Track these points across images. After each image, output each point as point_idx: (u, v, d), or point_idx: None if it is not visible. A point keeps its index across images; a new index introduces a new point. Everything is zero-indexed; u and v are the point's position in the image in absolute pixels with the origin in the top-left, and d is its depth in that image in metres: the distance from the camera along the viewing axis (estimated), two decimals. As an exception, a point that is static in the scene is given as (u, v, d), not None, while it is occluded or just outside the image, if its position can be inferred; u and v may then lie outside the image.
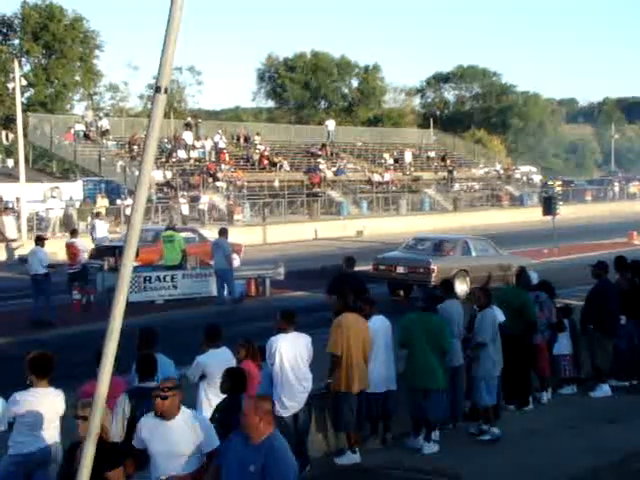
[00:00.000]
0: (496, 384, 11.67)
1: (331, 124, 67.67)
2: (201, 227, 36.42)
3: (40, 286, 20.36)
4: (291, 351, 9.89)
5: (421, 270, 22.38)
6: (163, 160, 50.59)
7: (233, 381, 8.19)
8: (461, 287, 22.08)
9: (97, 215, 32.80)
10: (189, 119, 59.32)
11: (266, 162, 55.97)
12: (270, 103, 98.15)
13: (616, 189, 71.19)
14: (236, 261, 24.90)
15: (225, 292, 22.96)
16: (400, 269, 23.09)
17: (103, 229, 30.45)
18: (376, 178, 58.58)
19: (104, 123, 54.12)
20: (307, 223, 46.85)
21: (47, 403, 7.80)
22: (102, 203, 42.15)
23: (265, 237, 42.40)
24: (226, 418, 7.84)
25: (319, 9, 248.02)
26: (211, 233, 31.38)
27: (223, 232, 23.47)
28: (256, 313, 21.34)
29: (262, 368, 9.86)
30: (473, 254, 24.02)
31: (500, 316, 11.92)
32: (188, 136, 54.49)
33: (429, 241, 25.13)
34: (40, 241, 21.49)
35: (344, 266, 16.36)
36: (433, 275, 21.96)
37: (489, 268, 22.95)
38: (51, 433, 7.87)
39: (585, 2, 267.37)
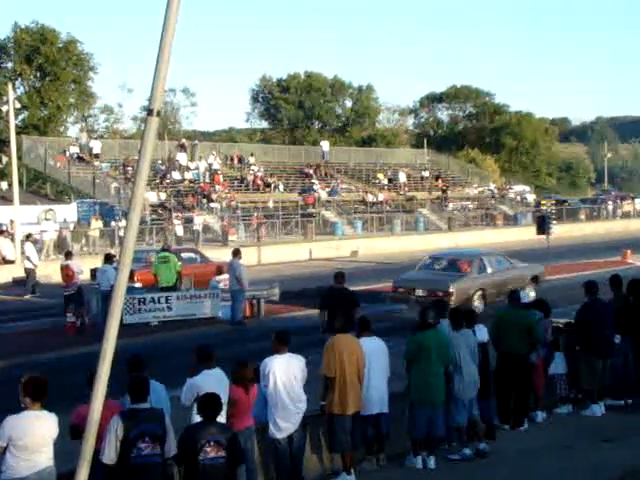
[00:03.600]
0: (467, 405, 11.62)
1: (325, 145, 67.89)
2: (196, 248, 36.40)
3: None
4: (285, 373, 9.88)
5: (440, 294, 22.18)
6: (157, 181, 50.68)
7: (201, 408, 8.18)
8: (480, 305, 22.55)
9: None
10: (183, 140, 59.47)
11: (260, 183, 56.08)
12: (264, 124, 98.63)
13: (610, 208, 71.20)
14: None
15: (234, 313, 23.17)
16: (419, 292, 23.20)
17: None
18: (370, 198, 58.68)
19: (95, 145, 54.21)
20: (301, 243, 46.82)
21: (41, 427, 7.76)
22: (96, 225, 42.12)
23: (260, 258, 42.38)
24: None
25: (312, 30, 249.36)
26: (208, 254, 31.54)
27: (236, 253, 23.50)
28: (250, 334, 21.32)
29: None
30: (489, 270, 24.17)
31: (482, 337, 12.01)
32: (182, 157, 54.61)
33: (444, 260, 25.29)
34: (109, 259, 22.12)
35: (334, 281, 16.39)
36: (452, 298, 21.97)
37: (506, 282, 23.19)
38: (45, 457, 7.82)
39: (577, 23, 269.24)
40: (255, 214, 49.91)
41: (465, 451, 11.48)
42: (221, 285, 24.27)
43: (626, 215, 71.71)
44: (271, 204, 52.14)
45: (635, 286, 14.58)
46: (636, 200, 76.93)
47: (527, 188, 77.17)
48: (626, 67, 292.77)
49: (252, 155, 61.03)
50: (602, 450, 11.64)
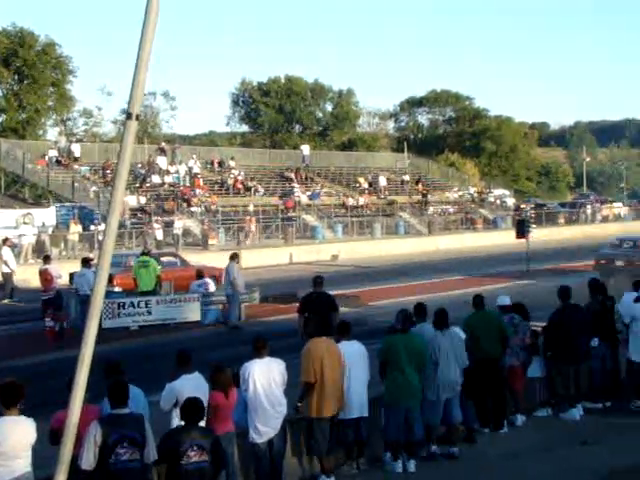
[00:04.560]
0: (446, 407, 11.67)
1: (306, 149, 67.87)
2: (176, 252, 36.31)
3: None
4: (265, 377, 9.86)
5: (637, 263, 28.94)
6: (137, 185, 50.48)
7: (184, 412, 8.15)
8: None
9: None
10: (163, 144, 59.29)
11: (240, 186, 56.01)
12: (244, 127, 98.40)
13: (588, 212, 71.61)
14: (211, 286, 24.84)
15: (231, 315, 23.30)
16: (618, 262, 30.36)
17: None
18: (351, 202, 58.74)
19: (75, 149, 53.97)
20: (282, 247, 46.81)
21: (18, 432, 7.68)
22: (75, 229, 41.91)
23: (239, 262, 42.26)
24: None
25: (293, 34, 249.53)
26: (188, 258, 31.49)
27: (233, 257, 23.65)
28: (230, 338, 21.29)
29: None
30: None
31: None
32: (162, 161, 54.44)
33: (630, 240, 32.39)
34: (87, 263, 22.10)
35: (313, 285, 16.38)
36: None
37: None
38: (23, 463, 7.75)
39: (555, 28, 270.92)
40: (248, 217, 49.90)
41: (432, 447, 11.54)
42: (201, 289, 24.22)
43: (605, 219, 72.15)
44: (251, 208, 52.06)
45: (597, 287, 14.70)
46: (614, 204, 77.48)
47: (507, 192, 77.48)
48: (604, 72, 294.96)
49: (232, 159, 60.93)
50: (581, 453, 11.69)
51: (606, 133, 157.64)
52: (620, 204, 78.31)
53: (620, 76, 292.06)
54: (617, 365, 14.68)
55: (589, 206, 73.06)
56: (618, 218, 73.58)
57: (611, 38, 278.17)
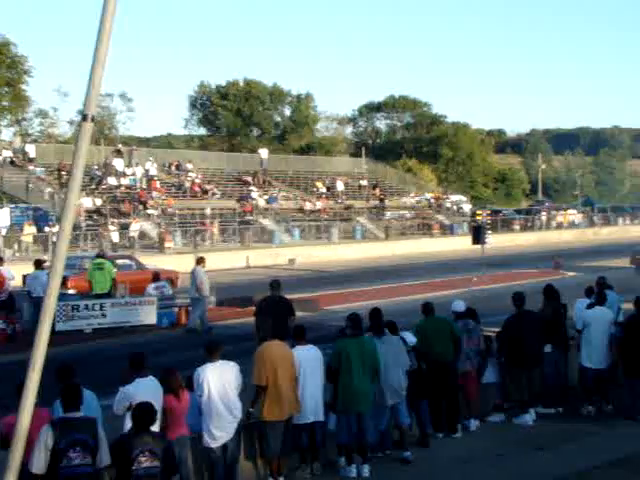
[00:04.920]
0: (393, 412, 11.74)
1: (264, 152, 67.84)
2: (132, 254, 36.07)
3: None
4: (219, 380, 9.83)
5: None
6: (93, 187, 50.09)
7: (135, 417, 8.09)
8: None
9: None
10: (120, 146, 58.89)
11: (198, 189, 55.81)
12: (202, 130, 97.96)
13: (543, 218, 72.34)
14: (165, 289, 24.72)
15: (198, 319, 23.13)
16: None
17: None
18: (308, 206, 58.80)
19: (29, 149, 53.41)
20: (239, 251, 46.70)
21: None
22: (29, 230, 41.45)
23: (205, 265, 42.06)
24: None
25: (252, 37, 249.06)
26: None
27: (199, 261, 23.57)
28: (185, 342, 21.18)
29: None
30: None
31: (412, 341, 12.38)
32: (119, 163, 54.07)
33: None
34: (39, 265, 21.98)
35: (270, 289, 16.37)
36: None
37: None
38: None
39: (512, 37, 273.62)
40: (209, 220, 49.72)
41: (386, 452, 11.65)
42: (157, 292, 24.09)
43: (559, 226, 72.96)
44: (208, 211, 51.89)
45: (551, 293, 14.85)
46: (569, 211, 78.34)
47: (463, 198, 77.97)
48: (560, 81, 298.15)
49: (190, 162, 60.72)
50: (533, 458, 11.80)
51: (561, 141, 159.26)
52: (574, 211, 79.15)
53: (575, 85, 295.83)
54: (568, 371, 14.86)
55: (544, 213, 73.79)
56: (572, 225, 74.43)
57: (567, 47, 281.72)
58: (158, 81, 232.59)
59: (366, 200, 65.27)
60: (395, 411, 11.75)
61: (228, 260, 43.39)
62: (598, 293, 14.92)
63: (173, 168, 59.42)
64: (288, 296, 17.64)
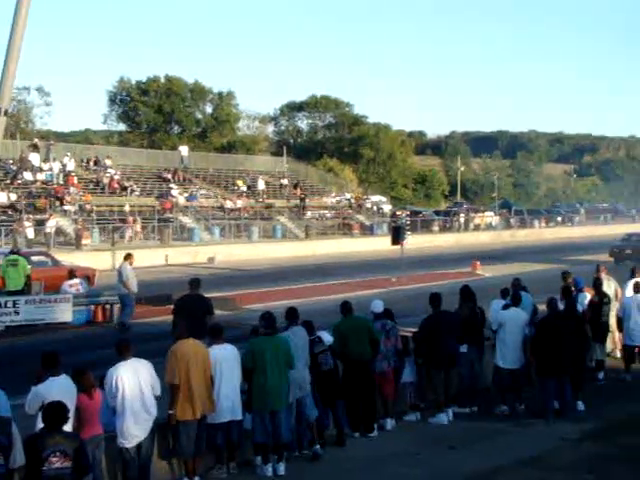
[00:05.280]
0: (299, 406, 11.78)
1: (184, 149, 67.34)
2: (47, 251, 35.41)
3: None
4: (132, 379, 9.72)
5: None
6: (7, 182, 49.04)
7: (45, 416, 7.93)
8: None
9: None
10: (36, 140, 57.71)
11: (117, 186, 55.08)
12: (122, 126, 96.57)
13: (462, 220, 73.36)
14: (82, 287, 24.35)
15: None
16: (628, 251, 41.59)
17: None
18: (229, 205, 58.56)
19: None
20: (158, 249, 46.25)
21: None
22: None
23: (114, 262, 41.52)
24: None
25: (173, 34, 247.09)
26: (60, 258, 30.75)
27: (127, 257, 23.45)
28: (101, 340, 20.88)
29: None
30: None
31: (328, 340, 12.55)
32: (35, 158, 52.95)
33: (636, 236, 44.45)
34: None
35: (189, 288, 16.28)
36: None
37: None
38: None
39: (434, 38, 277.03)
40: (132, 217, 49.09)
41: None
42: (73, 290, 23.70)
43: (477, 227, 74.09)
44: (127, 208, 51.23)
45: (468, 294, 15.08)
46: (486, 213, 79.63)
47: (383, 199, 78.58)
48: (479, 85, 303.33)
49: (109, 158, 59.82)
50: (447, 457, 11.95)
51: (480, 144, 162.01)
52: (491, 213, 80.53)
53: (494, 89, 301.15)
54: (483, 371, 15.09)
55: (462, 214, 74.84)
56: (489, 227, 75.67)
57: (486, 51, 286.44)
58: (77, 76, 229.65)
59: (287, 199, 65.31)
60: (301, 405, 11.74)
61: (147, 258, 42.78)
62: (513, 294, 15.20)
63: (91, 164, 58.45)
64: (207, 295, 17.58)
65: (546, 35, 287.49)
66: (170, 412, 10.36)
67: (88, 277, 28.37)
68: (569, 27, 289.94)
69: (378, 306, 13.83)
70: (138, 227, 48.97)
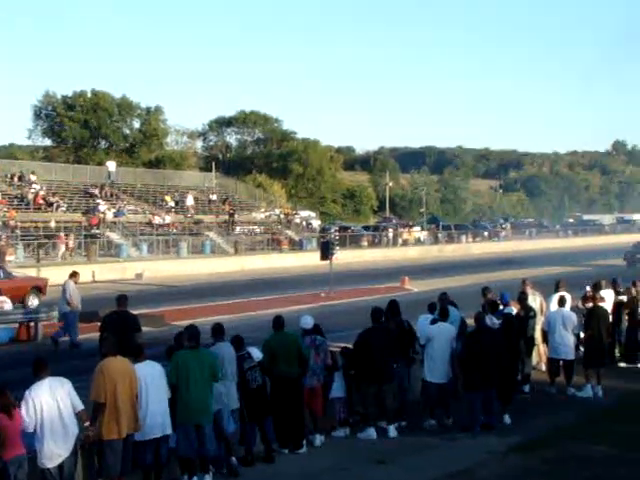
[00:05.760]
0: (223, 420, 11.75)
1: (111, 165, 66.70)
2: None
3: None
4: (50, 398, 9.50)
5: None
6: None
7: None
8: None
9: None
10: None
11: (42, 202, 54.17)
12: (47, 141, 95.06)
13: (390, 235, 73.87)
14: (7, 304, 23.89)
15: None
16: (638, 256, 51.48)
17: None
18: (157, 220, 58.08)
19: None
20: (84, 265, 45.51)
21: None
22: None
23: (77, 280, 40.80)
24: None
25: (101, 48, 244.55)
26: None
27: (73, 275, 23.52)
28: (24, 358, 20.42)
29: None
30: None
31: (257, 356, 12.52)
32: (-43, 173, 51.90)
33: None
34: None
35: (117, 304, 16.09)
36: None
37: None
38: None
39: (357, 55, 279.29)
40: (64, 234, 48.24)
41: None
42: (-5, 307, 23.23)
43: (405, 242, 74.68)
44: (53, 224, 50.42)
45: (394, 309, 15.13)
46: (414, 228, 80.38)
47: (312, 214, 78.86)
48: (407, 101, 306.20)
49: (33, 173, 58.86)
50: (376, 472, 11.95)
51: (408, 159, 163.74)
52: (419, 228, 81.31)
53: (422, 105, 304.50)
54: (411, 385, 15.16)
55: (391, 230, 75.36)
56: (418, 242, 76.35)
57: (414, 67, 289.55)
58: (0, 90, 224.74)
59: (216, 215, 65.07)
60: (218, 418, 11.65)
61: (73, 274, 42.23)
62: (440, 309, 15.31)
63: (15, 179, 57.45)
64: (135, 311, 17.37)
65: (472, 52, 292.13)
66: (90, 430, 10.11)
67: (39, 288, 28.18)
68: (494, 43, 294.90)
69: (307, 322, 13.76)
70: (71, 243, 48.15)
